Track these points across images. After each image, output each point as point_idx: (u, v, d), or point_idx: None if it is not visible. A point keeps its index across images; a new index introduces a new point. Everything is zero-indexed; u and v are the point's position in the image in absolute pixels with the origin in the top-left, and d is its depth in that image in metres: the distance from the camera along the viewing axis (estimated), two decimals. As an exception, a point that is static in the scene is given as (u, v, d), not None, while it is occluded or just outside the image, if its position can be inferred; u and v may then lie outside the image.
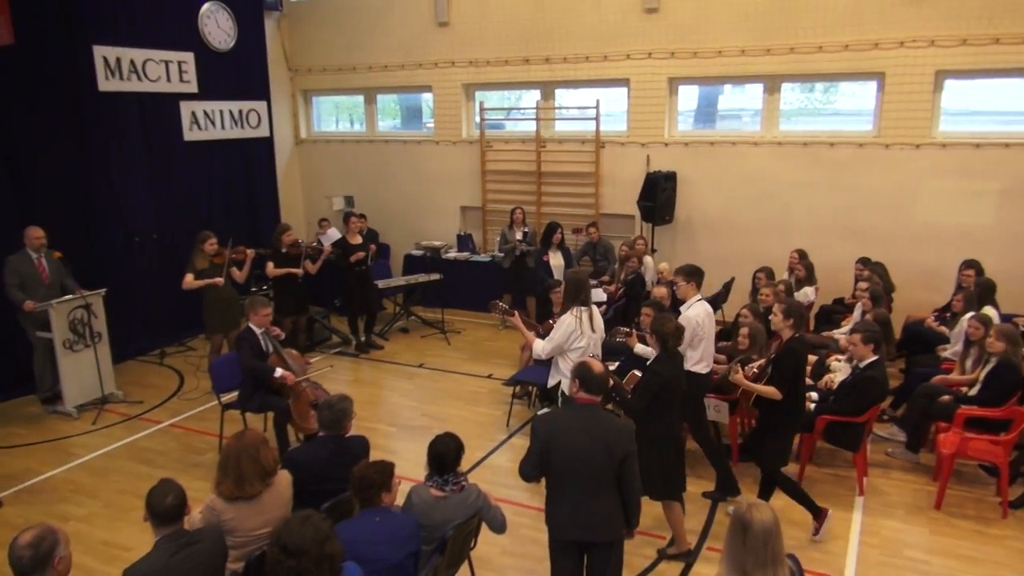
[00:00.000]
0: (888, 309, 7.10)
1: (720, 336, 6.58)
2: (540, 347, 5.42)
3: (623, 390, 4.75)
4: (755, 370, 5.22)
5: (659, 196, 9.07)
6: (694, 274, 5.59)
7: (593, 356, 5.17)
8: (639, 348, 6.00)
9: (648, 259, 8.65)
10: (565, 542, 3.73)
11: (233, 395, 6.39)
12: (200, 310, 7.80)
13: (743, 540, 2.64)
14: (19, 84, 7.64)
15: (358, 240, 8.92)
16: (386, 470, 3.62)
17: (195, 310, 8.85)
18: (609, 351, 6.10)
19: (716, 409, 5.88)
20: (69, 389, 7.22)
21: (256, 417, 6.53)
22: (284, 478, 3.80)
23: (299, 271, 8.27)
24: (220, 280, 7.59)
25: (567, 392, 5.37)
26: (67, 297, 7.10)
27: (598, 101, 9.74)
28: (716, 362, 5.89)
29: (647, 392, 4.52)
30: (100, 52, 8.42)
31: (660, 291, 7.09)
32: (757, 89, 9.27)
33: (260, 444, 3.67)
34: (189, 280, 7.55)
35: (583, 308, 5.28)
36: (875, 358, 5.48)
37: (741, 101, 10.01)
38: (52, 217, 7.66)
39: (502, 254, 9.67)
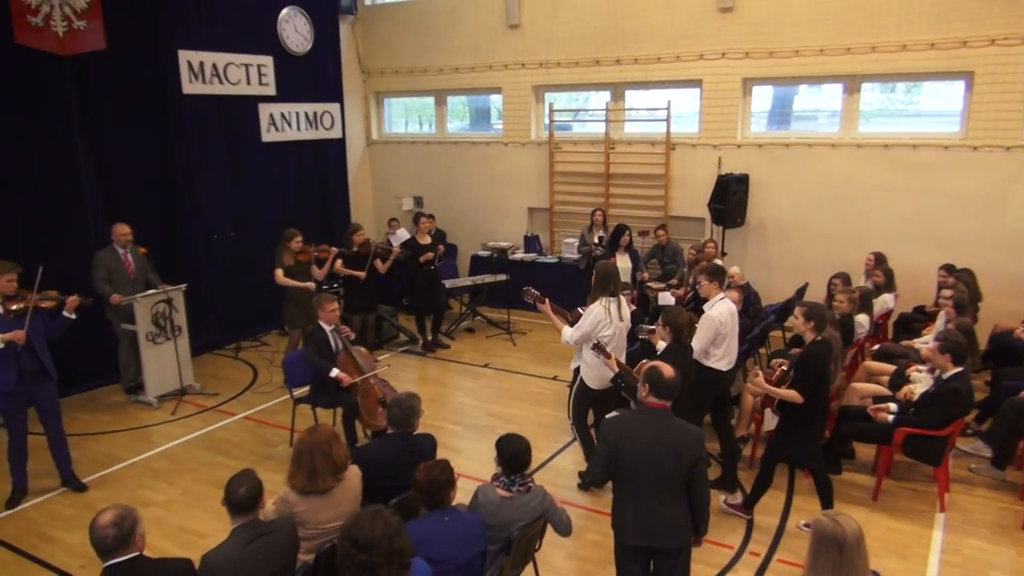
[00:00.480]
0: (974, 319, 6.78)
1: (793, 343, 6.40)
2: (568, 334, 5.55)
3: (631, 377, 4.86)
4: (779, 372, 5.20)
5: (730, 199, 8.90)
6: (716, 273, 5.67)
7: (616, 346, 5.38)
8: (662, 345, 5.93)
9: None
10: (632, 547, 3.69)
11: (305, 390, 6.54)
12: (276, 306, 8.01)
13: (840, 556, 2.57)
14: (110, 87, 8.00)
15: (427, 240, 9.03)
16: (448, 467, 3.64)
17: (268, 306, 9.13)
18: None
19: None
20: (151, 380, 7.52)
21: (326, 412, 6.68)
22: (354, 474, 3.86)
23: (361, 274, 8.34)
24: (311, 285, 7.80)
25: (585, 380, 5.48)
26: (151, 292, 7.39)
27: (669, 102, 9.62)
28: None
29: None
30: (185, 56, 8.76)
31: (731, 295, 6.94)
32: (835, 89, 8.99)
33: (332, 440, 3.74)
34: (280, 276, 7.75)
35: (611, 299, 5.43)
36: (959, 369, 5.25)
37: (817, 102, 9.72)
38: (137, 214, 7.99)
39: (579, 255, 9.64)
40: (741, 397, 6.41)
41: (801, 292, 7.95)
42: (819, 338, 4.86)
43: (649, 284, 8.93)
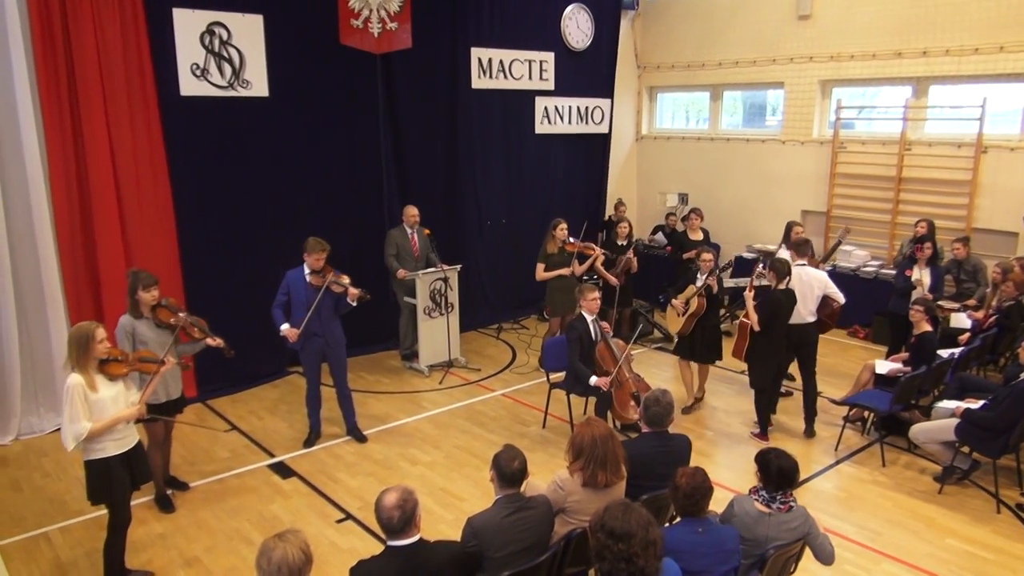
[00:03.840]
0: None
1: None
2: None
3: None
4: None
5: (1056, 212, 7.62)
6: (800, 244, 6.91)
7: None
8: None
9: (1035, 286, 7.30)
10: None
11: (560, 375, 6.74)
12: (538, 293, 8.34)
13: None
14: (411, 82, 8.82)
15: (699, 236, 8.83)
16: (707, 475, 3.50)
17: (530, 292, 9.53)
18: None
19: None
20: (424, 350, 8.22)
21: (578, 400, 6.82)
22: (624, 471, 3.88)
23: (615, 280, 8.30)
24: (567, 271, 8.01)
25: None
26: (431, 269, 8.06)
27: (984, 99, 8.44)
28: None
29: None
30: (476, 53, 9.39)
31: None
32: None
33: (611, 435, 3.76)
34: (540, 272, 8.04)
35: None
36: None
37: None
38: (424, 198, 8.73)
39: (894, 269, 8.57)
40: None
41: None
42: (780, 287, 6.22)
43: (941, 303, 7.94)
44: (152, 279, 5.06)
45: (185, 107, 7.11)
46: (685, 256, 8.73)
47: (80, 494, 4.41)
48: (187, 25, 7.02)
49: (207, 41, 7.15)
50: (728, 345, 7.07)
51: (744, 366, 6.80)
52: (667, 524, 3.99)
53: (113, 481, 4.28)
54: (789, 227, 8.09)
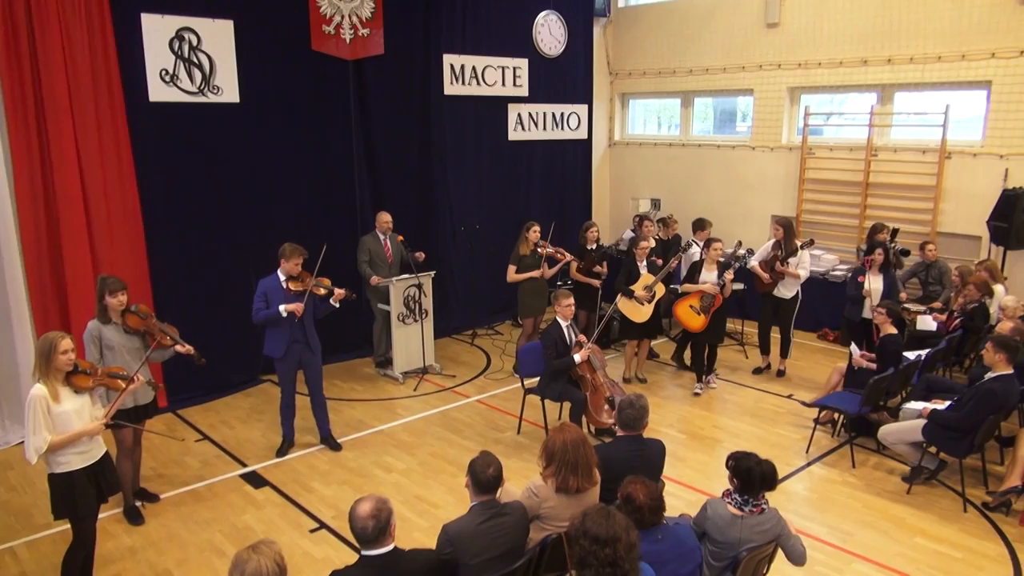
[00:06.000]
0: None
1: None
2: None
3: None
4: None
5: (1017, 217, 7.79)
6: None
7: None
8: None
9: (999, 288, 7.45)
10: None
11: (535, 381, 6.75)
12: (512, 297, 8.35)
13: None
14: (383, 88, 8.80)
15: (651, 244, 8.87)
16: (651, 481, 3.50)
17: (504, 297, 9.54)
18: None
19: None
20: (398, 357, 8.18)
21: (553, 405, 6.83)
22: (597, 476, 3.90)
23: (596, 282, 8.34)
24: (537, 273, 8.04)
25: None
26: (405, 276, 8.03)
27: (948, 106, 8.63)
28: None
29: None
30: (449, 60, 9.40)
31: (1005, 326, 6.14)
32: None
33: (583, 441, 3.77)
34: (511, 273, 8.07)
35: None
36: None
37: None
38: (397, 204, 8.72)
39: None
40: (1017, 441, 5.61)
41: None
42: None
43: (907, 306, 8.10)
44: (120, 284, 5.00)
45: (154, 113, 7.04)
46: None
47: (47, 507, 4.32)
48: (156, 31, 6.95)
49: (176, 47, 7.09)
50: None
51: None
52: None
53: (77, 496, 4.19)
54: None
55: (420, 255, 8.17)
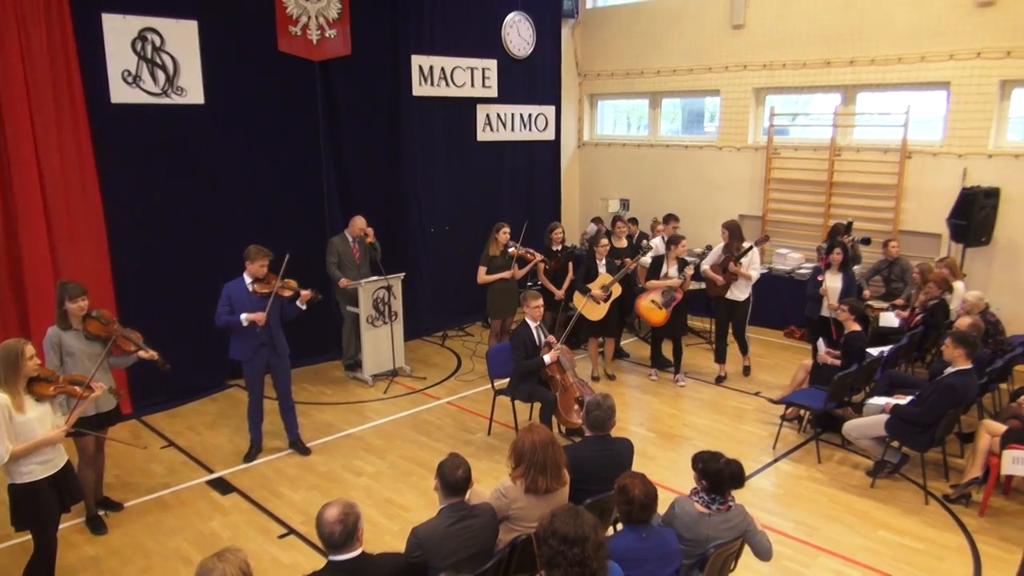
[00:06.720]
0: None
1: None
2: None
3: None
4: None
5: (976, 214, 7.98)
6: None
7: None
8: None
9: (959, 284, 7.62)
10: None
11: (505, 382, 6.75)
12: (482, 299, 8.35)
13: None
14: (351, 89, 8.74)
15: (623, 244, 8.95)
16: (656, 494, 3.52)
17: (475, 299, 9.52)
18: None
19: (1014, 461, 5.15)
20: (368, 359, 8.13)
21: (523, 406, 6.84)
22: (567, 478, 3.90)
23: (560, 292, 8.36)
24: (508, 274, 8.05)
25: None
26: (374, 278, 7.98)
27: (908, 107, 8.80)
28: None
29: None
30: (417, 61, 9.37)
31: (964, 321, 6.28)
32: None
33: (552, 441, 3.78)
34: (482, 275, 8.06)
35: None
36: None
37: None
38: (367, 206, 8.64)
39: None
40: (976, 435, 5.74)
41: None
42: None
43: (870, 303, 8.25)
44: (80, 289, 4.90)
45: (116, 115, 6.92)
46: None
47: (6, 518, 4.22)
48: (117, 31, 6.83)
49: (139, 47, 6.98)
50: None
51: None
52: (611, 530, 4.03)
53: (40, 506, 4.11)
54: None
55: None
